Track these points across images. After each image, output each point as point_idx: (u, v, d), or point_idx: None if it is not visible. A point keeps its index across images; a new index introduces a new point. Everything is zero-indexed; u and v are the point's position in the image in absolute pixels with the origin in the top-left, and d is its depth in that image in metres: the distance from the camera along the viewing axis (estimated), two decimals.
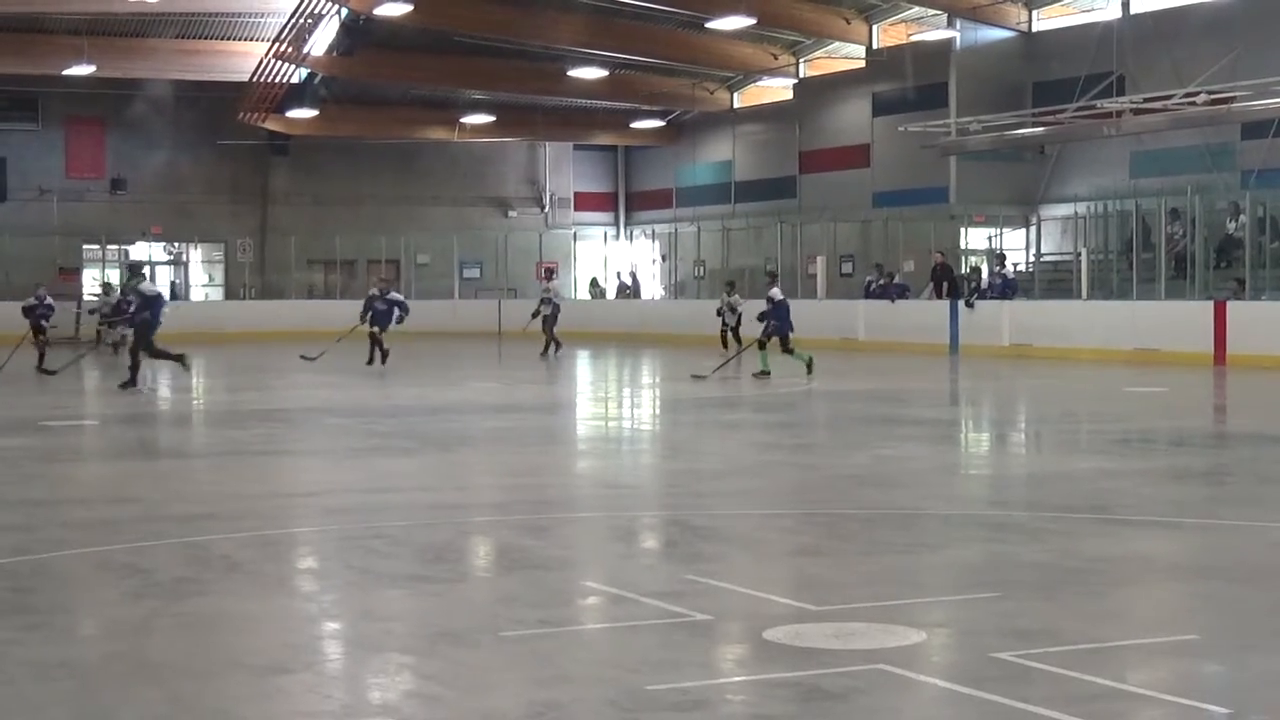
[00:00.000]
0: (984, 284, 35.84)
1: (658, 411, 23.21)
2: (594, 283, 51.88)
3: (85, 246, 47.67)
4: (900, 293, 37.25)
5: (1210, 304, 29.87)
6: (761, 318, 26.70)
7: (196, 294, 50.19)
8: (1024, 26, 40.07)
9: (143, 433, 19.83)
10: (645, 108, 49.38)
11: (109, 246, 47.96)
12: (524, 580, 9.21)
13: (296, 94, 45.37)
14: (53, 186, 47.27)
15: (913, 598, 8.58)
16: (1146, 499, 12.66)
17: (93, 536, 10.80)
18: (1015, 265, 38.20)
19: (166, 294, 28.33)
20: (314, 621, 8.40)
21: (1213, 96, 32.27)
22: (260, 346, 36.24)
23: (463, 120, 48.39)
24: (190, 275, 50.74)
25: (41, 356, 29.62)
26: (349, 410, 21.12)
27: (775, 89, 47.79)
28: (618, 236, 54.41)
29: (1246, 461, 15.74)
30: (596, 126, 51.07)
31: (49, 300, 32.69)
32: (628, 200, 54.84)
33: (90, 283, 45.25)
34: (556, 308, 34.31)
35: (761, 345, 26.52)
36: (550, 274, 35.96)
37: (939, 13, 40.60)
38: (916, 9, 41.15)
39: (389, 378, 27.11)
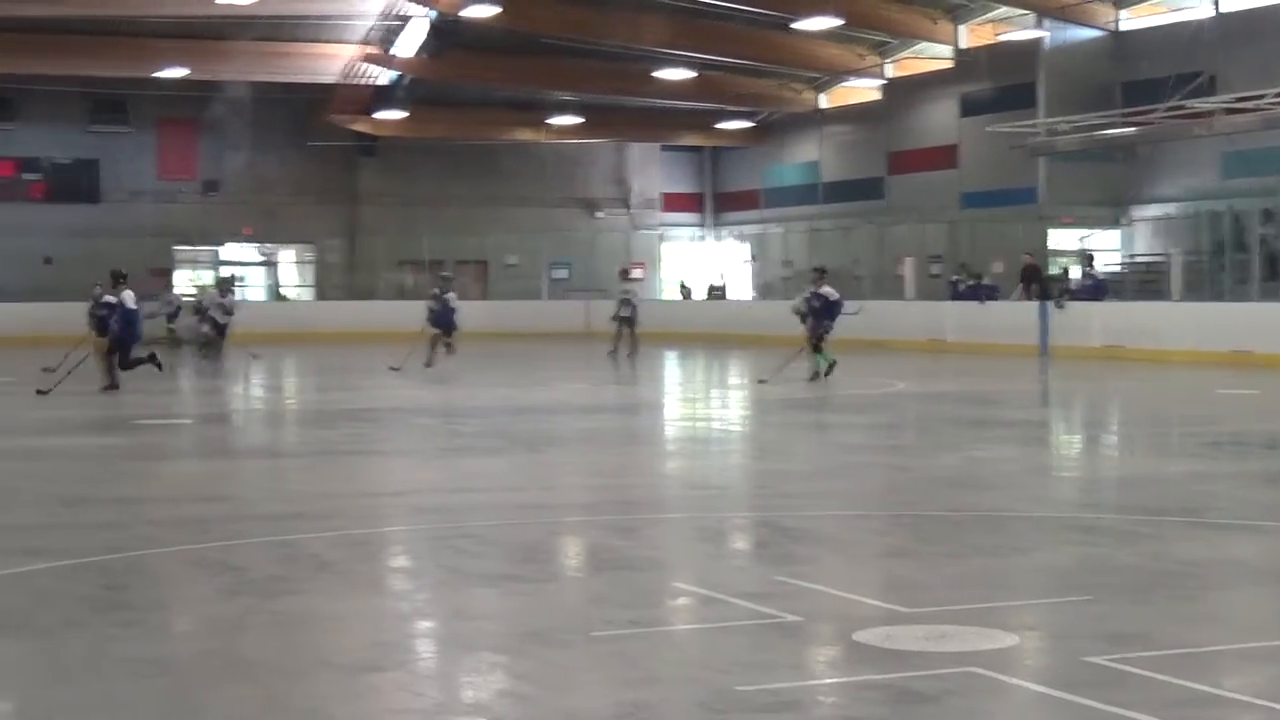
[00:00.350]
0: (1073, 285, 35.55)
1: (746, 412, 23.16)
2: (682, 284, 51.84)
3: (177, 248, 48.10)
4: (989, 294, 37.00)
5: None
6: (809, 316, 26.00)
7: (287, 294, 50.53)
8: (1113, 26, 39.76)
9: (233, 432, 20.00)
10: (732, 108, 49.30)
11: (200, 248, 48.37)
12: (614, 580, 9.21)
13: (385, 95, 45.61)
14: (145, 188, 47.72)
15: (1004, 600, 8.52)
16: (1239, 502, 12.51)
17: (185, 534, 10.89)
18: (1105, 266, 37.87)
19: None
20: (404, 620, 8.44)
21: None
22: (350, 347, 36.43)
23: (550, 121, 48.48)
24: (280, 276, 51.11)
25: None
26: (437, 410, 21.20)
27: (862, 89, 47.60)
28: (704, 237, 54.36)
29: None
30: (683, 127, 51.04)
31: (108, 298, 31.50)
32: (715, 201, 54.77)
33: (182, 284, 45.65)
34: (635, 308, 34.05)
35: (817, 348, 25.84)
36: (627, 274, 35.47)
37: (1027, 12, 40.34)
38: (1004, 9, 40.89)
39: (455, 380, 27.16)
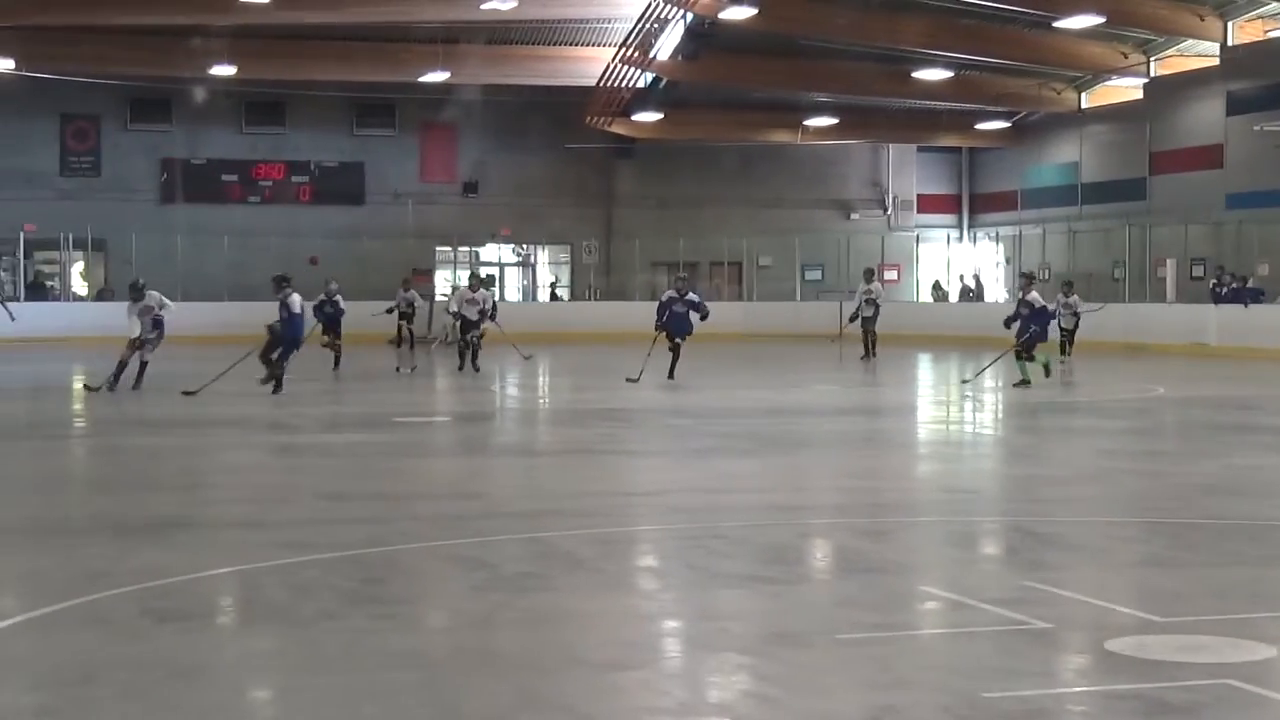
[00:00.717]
0: None
1: (1000, 416, 22.89)
2: (936, 285, 51.37)
3: (438, 248, 49.01)
4: (1254, 297, 36.05)
5: None
6: (1013, 322, 25.25)
7: (543, 295, 51.17)
8: None
9: (489, 430, 20.33)
10: (990, 109, 48.69)
11: (460, 249, 49.22)
12: (862, 583, 9.19)
13: (642, 98, 45.93)
14: (408, 190, 48.68)
15: (1263, 611, 8.32)
16: None
17: (441, 530, 11.10)
18: None
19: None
20: (653, 619, 8.51)
21: None
22: (605, 347, 36.76)
23: (806, 123, 48.39)
24: (537, 276, 51.77)
25: (336, 360, 28.72)
26: (690, 411, 21.29)
27: (1124, 89, 46.67)
28: (960, 239, 53.79)
29: None
30: (940, 128, 50.55)
31: (339, 298, 30.25)
32: (971, 202, 54.17)
33: (442, 283, 46.54)
34: (878, 308, 33.76)
35: (1020, 355, 24.92)
36: (871, 275, 35.06)
37: None
38: (1274, 4, 39.79)
39: (709, 381, 27.21)
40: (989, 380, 29.60)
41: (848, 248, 48.63)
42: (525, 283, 51.47)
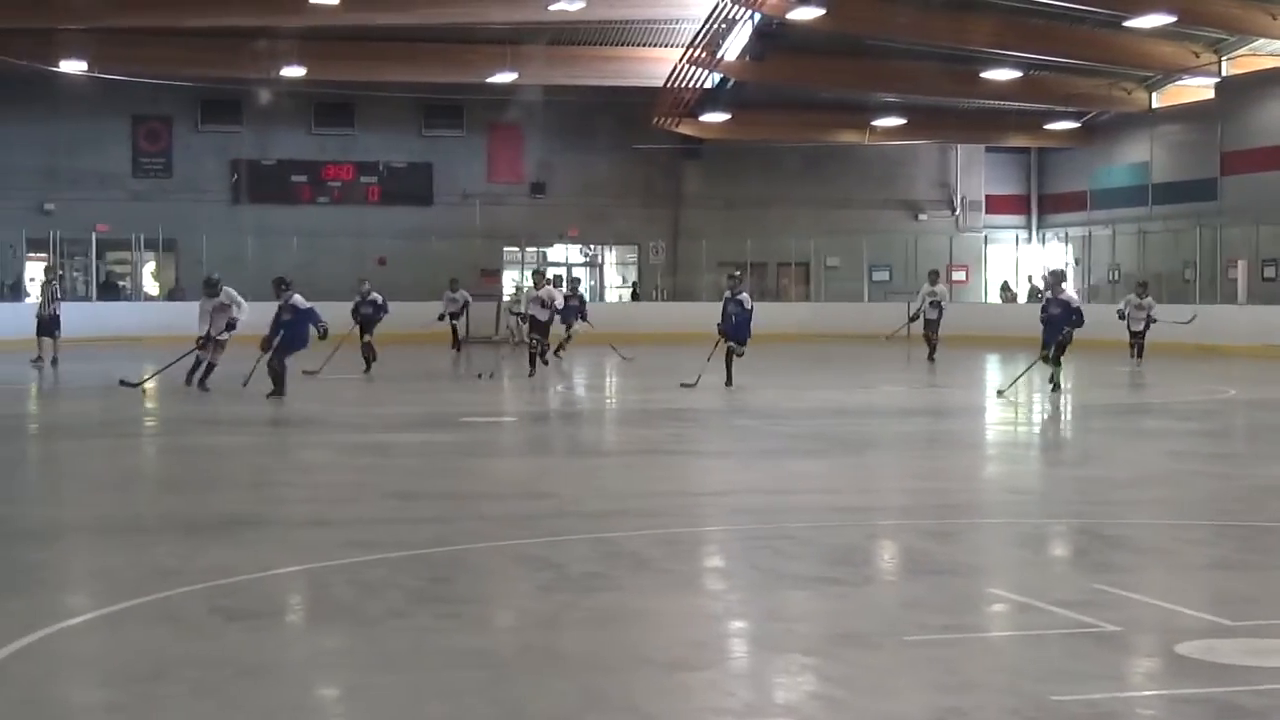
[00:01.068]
0: None
1: (1068, 417, 22.77)
2: (1005, 287, 51.13)
3: (505, 249, 49.16)
4: None
5: None
6: (1050, 322, 23.70)
7: (610, 295, 51.23)
8: None
9: (557, 430, 20.37)
10: (1059, 109, 48.42)
11: (528, 249, 49.33)
12: (929, 585, 9.17)
13: (709, 98, 45.89)
14: (475, 191, 48.83)
15: None
16: None
17: (508, 530, 11.13)
18: None
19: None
20: (719, 620, 8.51)
21: None
22: (671, 347, 36.79)
23: (874, 123, 48.26)
24: (605, 277, 51.84)
25: (368, 362, 27.97)
26: (757, 412, 21.28)
27: (1195, 88, 46.32)
28: (1029, 240, 53.52)
29: None
30: (1009, 128, 50.29)
31: (375, 296, 29.25)
32: (1040, 203, 53.89)
33: (509, 284, 46.67)
34: (942, 310, 33.44)
35: (1049, 358, 23.65)
36: (936, 276, 34.69)
37: None
38: None
39: (776, 381, 27.15)
40: (1053, 385, 29.44)
41: (915, 248, 48.45)
42: (593, 283, 51.53)
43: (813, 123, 48.35)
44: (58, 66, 40.80)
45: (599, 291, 50.84)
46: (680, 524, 11.59)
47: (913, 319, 33.60)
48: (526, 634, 7.99)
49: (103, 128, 46.06)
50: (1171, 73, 45.82)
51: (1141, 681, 7.17)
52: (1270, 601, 8.63)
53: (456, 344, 36.02)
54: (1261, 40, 42.33)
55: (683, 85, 45.16)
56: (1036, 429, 20.93)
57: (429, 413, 21.65)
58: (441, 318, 36.15)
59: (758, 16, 42.09)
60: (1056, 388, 23.52)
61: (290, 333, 22.33)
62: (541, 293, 27.62)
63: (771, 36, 43.51)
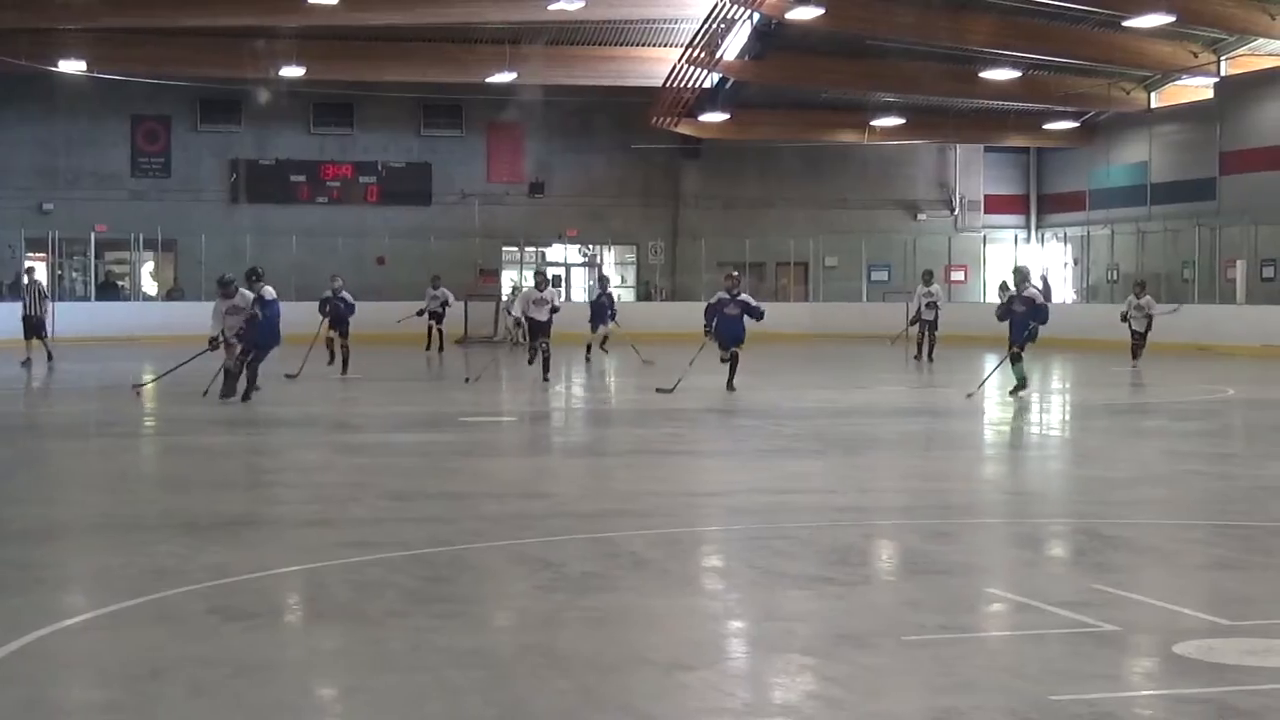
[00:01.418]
0: None
1: (1067, 417, 22.77)
2: (1004, 286, 51.05)
3: (504, 248, 49.17)
4: None
5: None
6: (1014, 321, 22.89)
7: (628, 295, 51.21)
8: None
9: (555, 430, 20.37)
10: (1058, 109, 48.44)
11: (526, 249, 49.35)
12: (927, 585, 9.17)
13: (708, 98, 45.92)
14: (474, 190, 48.84)
15: None
16: None
17: (506, 530, 11.13)
18: None
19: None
20: (717, 620, 8.51)
21: None
22: (670, 347, 36.79)
23: (873, 123, 48.26)
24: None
25: (345, 362, 27.12)
26: (755, 412, 21.27)
27: (1194, 88, 46.35)
28: (1028, 240, 53.53)
29: None
30: (1008, 128, 50.32)
31: (345, 294, 28.10)
32: (1039, 203, 53.90)
33: (507, 283, 46.65)
34: (939, 311, 33.19)
35: (1015, 358, 22.72)
36: (930, 276, 34.37)
37: None
38: None
39: (774, 381, 27.14)
40: (1056, 383, 29.46)
41: (914, 248, 48.48)
42: (591, 283, 51.48)
43: (811, 122, 48.38)
44: (56, 66, 40.81)
45: (597, 291, 50.70)
46: (679, 524, 11.58)
47: (913, 322, 33.38)
48: (525, 634, 7.99)
49: (101, 127, 46.09)
50: (1170, 73, 45.84)
51: (1140, 681, 7.17)
52: (1268, 601, 8.63)
53: (435, 344, 35.63)
54: (1260, 40, 42.34)
55: (681, 85, 45.17)
56: (1035, 428, 20.91)
57: (427, 413, 21.65)
58: (420, 314, 35.80)
59: (756, 16, 42.12)
60: (1022, 385, 22.61)
61: (267, 328, 21.60)
62: (546, 293, 26.33)
63: (770, 36, 43.55)
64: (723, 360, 23.61)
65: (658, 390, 22.87)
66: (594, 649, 7.57)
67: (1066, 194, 51.99)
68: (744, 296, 24.13)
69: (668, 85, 45.23)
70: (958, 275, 49.02)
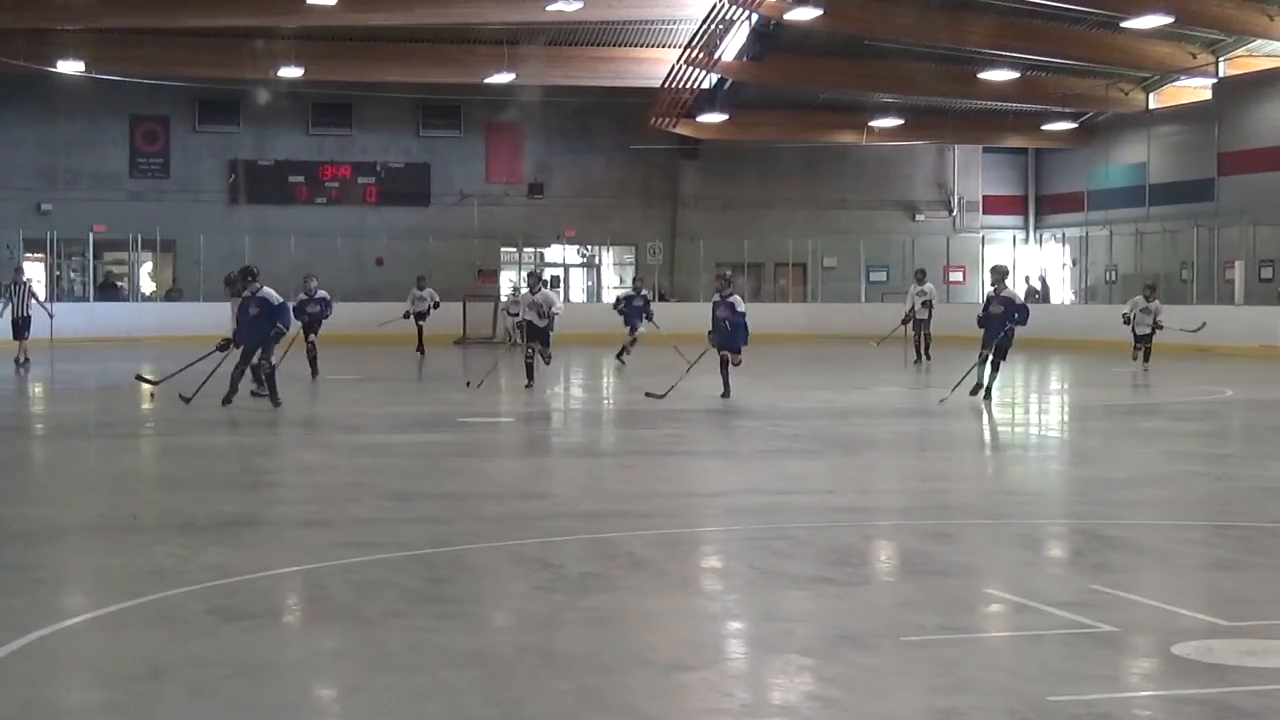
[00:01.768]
0: None
1: (1066, 418, 22.78)
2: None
3: (503, 249, 49.17)
4: None
5: None
6: (990, 321, 22.16)
7: (608, 296, 51.18)
8: None
9: (554, 430, 20.37)
10: (1057, 109, 48.44)
11: (525, 249, 49.36)
12: (926, 585, 9.17)
13: (707, 99, 45.93)
14: (473, 191, 48.85)
15: None
16: None
17: (505, 530, 11.13)
18: None
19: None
20: (716, 620, 8.52)
21: None
22: (665, 348, 36.80)
23: (871, 124, 48.26)
24: (602, 277, 51.83)
25: (313, 365, 26.27)
26: (754, 412, 21.25)
27: (1192, 89, 46.38)
28: (1027, 240, 53.54)
29: None
30: (1007, 129, 50.33)
31: (322, 294, 27.13)
32: (1037, 204, 53.91)
33: (506, 284, 46.64)
34: (931, 310, 32.98)
35: (991, 359, 22.01)
36: (923, 276, 34.09)
37: None
38: None
39: (773, 382, 27.14)
40: (1055, 384, 29.48)
41: (913, 249, 48.48)
42: (590, 283, 51.53)
43: (810, 123, 48.39)
44: (55, 67, 40.81)
45: (596, 292, 50.81)
46: (678, 524, 11.59)
47: (905, 321, 33.14)
48: (524, 634, 7.99)
49: (100, 128, 46.09)
50: (1169, 73, 45.87)
51: (1138, 682, 7.18)
52: (1267, 602, 8.63)
53: (420, 346, 35.23)
54: (1259, 41, 42.37)
55: (680, 86, 45.18)
56: (1034, 429, 20.92)
57: (427, 414, 21.65)
58: (406, 315, 35.55)
59: (755, 17, 42.12)
60: (982, 390, 21.93)
61: (261, 329, 20.82)
62: (538, 297, 25.27)
63: (769, 37, 43.57)
64: (720, 368, 22.78)
65: (647, 395, 22.42)
66: (593, 649, 7.58)
67: (1065, 195, 52.01)
68: (733, 299, 22.87)
69: (666, 86, 45.23)
70: (956, 276, 49.02)
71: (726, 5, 41.61)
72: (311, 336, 26.62)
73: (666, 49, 44.67)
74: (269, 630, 8.17)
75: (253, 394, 21.43)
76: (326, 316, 27.11)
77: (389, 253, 45.32)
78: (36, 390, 26.23)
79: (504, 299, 41.71)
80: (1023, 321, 22.26)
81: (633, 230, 50.02)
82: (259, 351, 21.02)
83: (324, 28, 41.36)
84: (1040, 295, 48.60)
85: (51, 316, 31.17)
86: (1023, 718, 6.36)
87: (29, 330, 29.92)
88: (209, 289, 39.03)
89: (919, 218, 52.50)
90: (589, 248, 51.10)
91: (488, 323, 40.98)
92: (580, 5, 37.65)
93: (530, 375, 24.85)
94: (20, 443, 18.45)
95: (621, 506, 12.46)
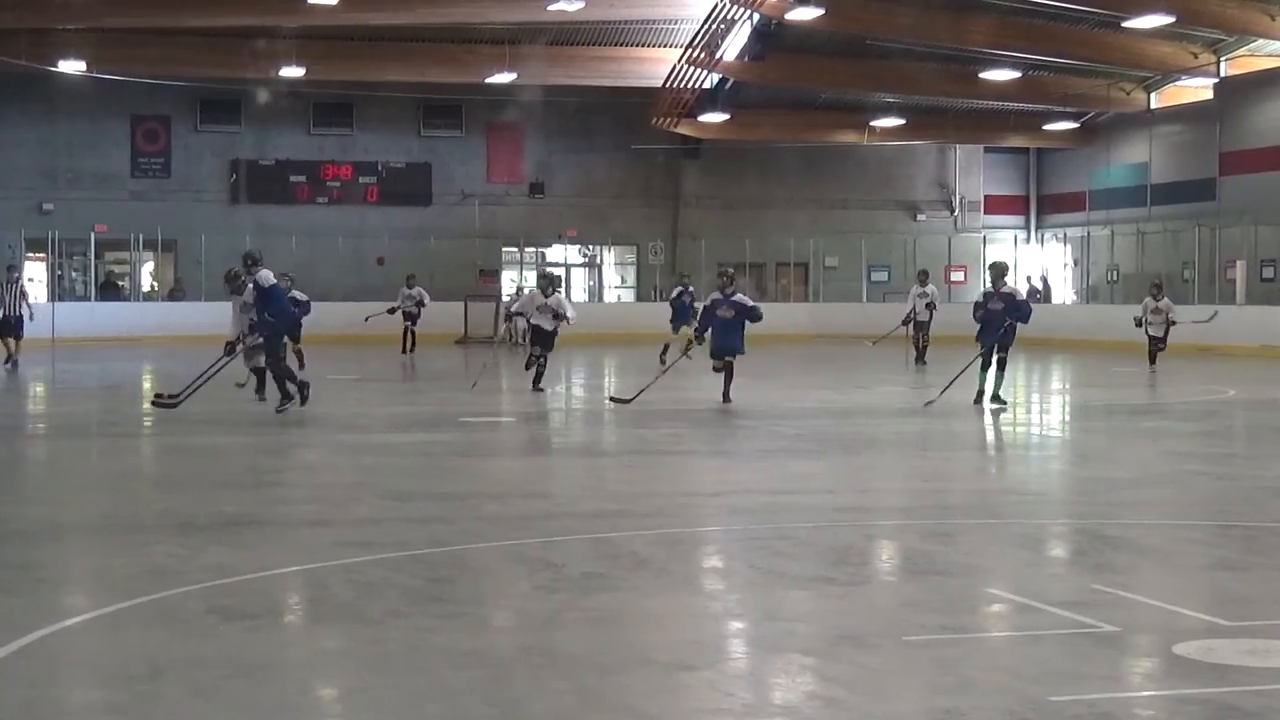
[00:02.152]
0: None
1: (1068, 418, 22.76)
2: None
3: (504, 249, 49.18)
4: None
5: None
6: (989, 320, 21.32)
7: (609, 295, 51.22)
8: None
9: (555, 430, 20.36)
10: (1058, 109, 48.45)
11: (527, 249, 49.36)
12: (928, 585, 9.16)
13: (708, 98, 45.94)
14: (474, 191, 48.86)
15: None
16: None
17: (507, 530, 11.12)
18: None
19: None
20: (717, 620, 8.51)
21: None
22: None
23: (873, 123, 48.26)
24: (604, 277, 51.84)
25: (299, 364, 24.33)
26: (755, 412, 21.21)
27: (1194, 89, 46.38)
28: (1028, 240, 53.55)
29: None
30: (1008, 129, 50.33)
31: (296, 293, 25.62)
32: (1039, 203, 53.91)
33: (508, 284, 46.65)
34: (933, 311, 32.87)
35: (996, 359, 21.29)
36: (925, 276, 33.97)
37: None
38: None
39: (775, 381, 27.14)
40: (1056, 384, 29.46)
41: (914, 249, 48.52)
42: (591, 283, 51.53)
43: (811, 123, 48.40)
44: (56, 66, 40.82)
45: (598, 292, 50.81)
46: (679, 524, 11.58)
47: (906, 322, 32.99)
48: (525, 634, 7.98)
49: (102, 128, 46.12)
50: (1170, 73, 45.87)
51: (1140, 682, 7.17)
52: (1268, 602, 8.62)
53: (408, 347, 35.22)
54: (1260, 41, 42.37)
55: (682, 85, 45.19)
56: (1035, 429, 20.90)
57: (428, 413, 21.64)
58: (393, 311, 35.45)
59: (756, 17, 42.14)
60: (985, 397, 21.25)
61: (278, 319, 20.04)
62: (551, 300, 24.36)
63: (770, 37, 43.57)
64: (715, 370, 22.06)
65: (611, 400, 21.95)
66: (594, 649, 7.57)
67: (1066, 194, 52.01)
68: (739, 296, 22.19)
69: (668, 86, 45.25)
70: (958, 276, 49.02)
71: (728, 5, 41.62)
72: (292, 340, 25.03)
73: (668, 49, 44.69)
74: (269, 630, 8.16)
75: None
76: (306, 314, 25.74)
77: (390, 252, 45.33)
78: (37, 390, 26.22)
79: (505, 299, 41.75)
80: (1024, 318, 21.37)
81: (634, 230, 50.02)
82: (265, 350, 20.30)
83: (325, 27, 41.37)
84: (1041, 295, 48.59)
85: (31, 319, 30.57)
86: (1024, 717, 6.35)
87: (21, 330, 29.78)
88: (210, 289, 38.99)
89: (920, 217, 52.50)
90: (590, 247, 51.10)
91: (489, 322, 40.97)
92: (582, 5, 37.66)
93: (538, 380, 24.10)
94: (21, 442, 18.45)
95: (623, 506, 12.45)
